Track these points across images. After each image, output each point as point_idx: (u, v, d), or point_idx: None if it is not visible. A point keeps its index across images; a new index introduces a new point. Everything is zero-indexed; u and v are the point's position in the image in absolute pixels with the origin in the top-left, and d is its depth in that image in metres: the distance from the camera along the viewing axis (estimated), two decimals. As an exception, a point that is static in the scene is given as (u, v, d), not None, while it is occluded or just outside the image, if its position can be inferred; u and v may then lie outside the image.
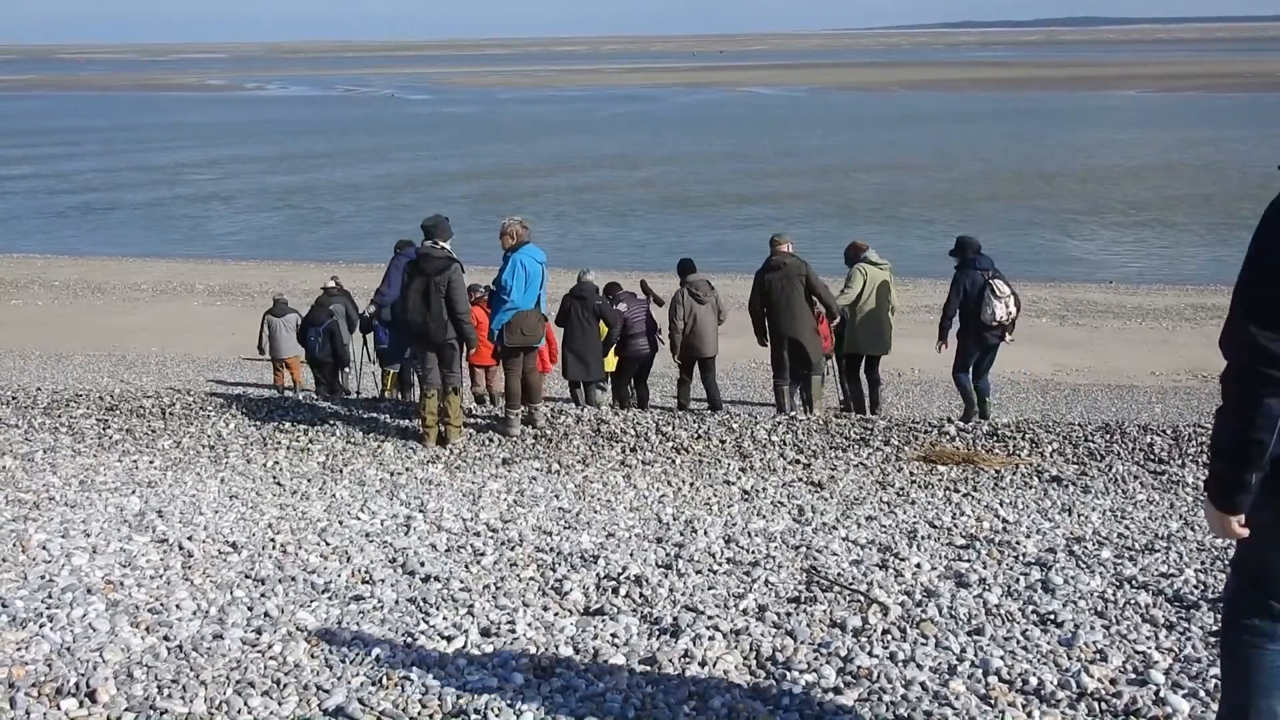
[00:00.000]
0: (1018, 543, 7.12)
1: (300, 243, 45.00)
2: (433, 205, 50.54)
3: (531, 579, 6.40)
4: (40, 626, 5.33)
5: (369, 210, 52.27)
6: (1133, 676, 4.86)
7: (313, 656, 5.13)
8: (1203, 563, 6.63)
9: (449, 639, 5.37)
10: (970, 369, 12.70)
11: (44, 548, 6.66)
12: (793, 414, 11.66)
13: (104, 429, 10.64)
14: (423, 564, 6.63)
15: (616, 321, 13.11)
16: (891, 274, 13.24)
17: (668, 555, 6.89)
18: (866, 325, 12.86)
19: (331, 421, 10.88)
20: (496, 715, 4.52)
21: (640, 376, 13.92)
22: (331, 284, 17.57)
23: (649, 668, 5.01)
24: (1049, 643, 5.29)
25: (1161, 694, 4.64)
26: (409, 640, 5.34)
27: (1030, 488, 8.86)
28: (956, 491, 8.75)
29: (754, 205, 50.81)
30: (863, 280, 12.79)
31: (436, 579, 6.35)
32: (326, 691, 4.73)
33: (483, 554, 6.90)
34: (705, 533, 7.49)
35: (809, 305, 12.33)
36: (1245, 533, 3.10)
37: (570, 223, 45.57)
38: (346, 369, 17.06)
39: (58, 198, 58.19)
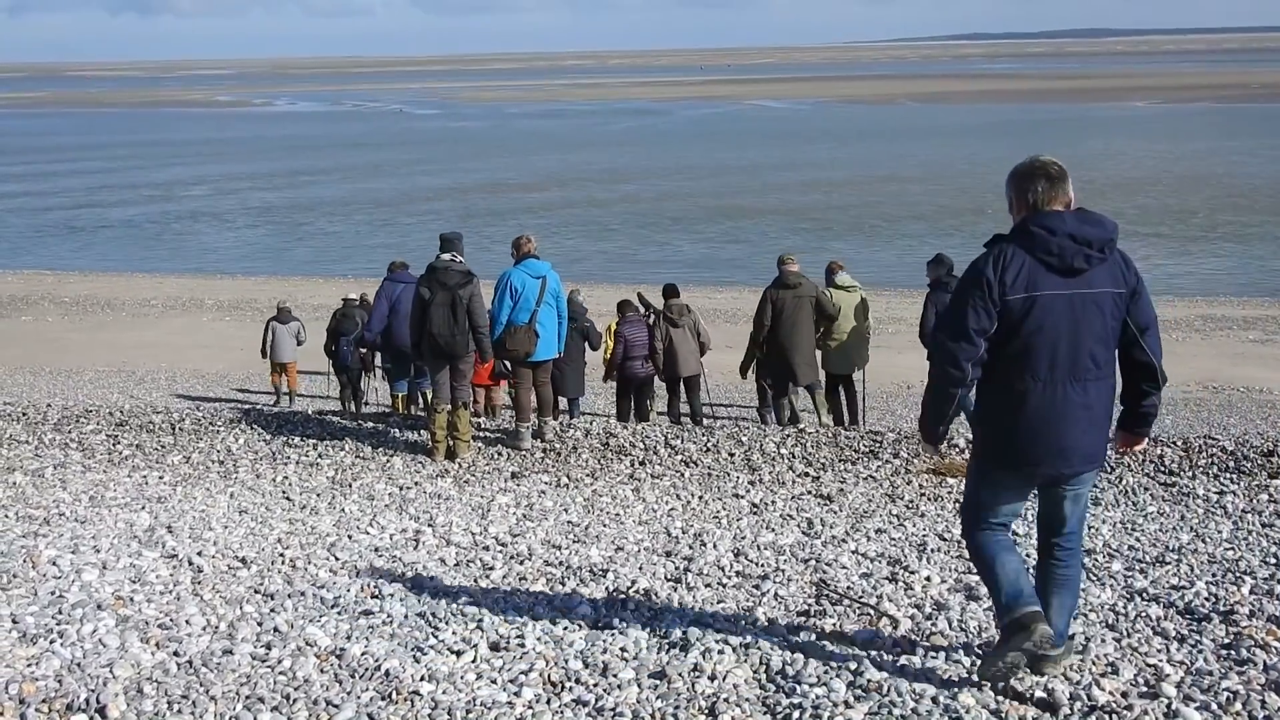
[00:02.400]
0: (1028, 555, 7.10)
1: (308, 258, 45.19)
2: (423, 219, 50.95)
3: (541, 593, 6.40)
4: (50, 642, 5.34)
5: (375, 225, 52.47)
6: (1144, 689, 4.85)
7: (322, 671, 5.13)
8: (1214, 575, 6.60)
9: (458, 653, 5.36)
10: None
11: (54, 563, 6.67)
12: (786, 426, 11.82)
13: (114, 445, 10.66)
14: (432, 578, 6.63)
15: (599, 343, 13.63)
16: (864, 296, 13.70)
17: (677, 569, 6.89)
18: (835, 346, 13.42)
19: (340, 436, 10.89)
20: (506, 730, 4.52)
21: (640, 395, 14.34)
22: (354, 297, 18.41)
23: (658, 682, 5.00)
24: (1060, 656, 5.27)
25: (1173, 707, 4.62)
26: (418, 654, 5.33)
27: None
28: (966, 504, 8.73)
29: (747, 219, 51.07)
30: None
31: (445, 593, 6.35)
32: (336, 706, 4.73)
33: (492, 568, 6.90)
34: (714, 546, 7.48)
35: (815, 328, 12.94)
36: (946, 457, 5.24)
37: (562, 236, 45.74)
38: (370, 374, 18.01)
39: (64, 214, 58.46)
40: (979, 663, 4.99)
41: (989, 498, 4.81)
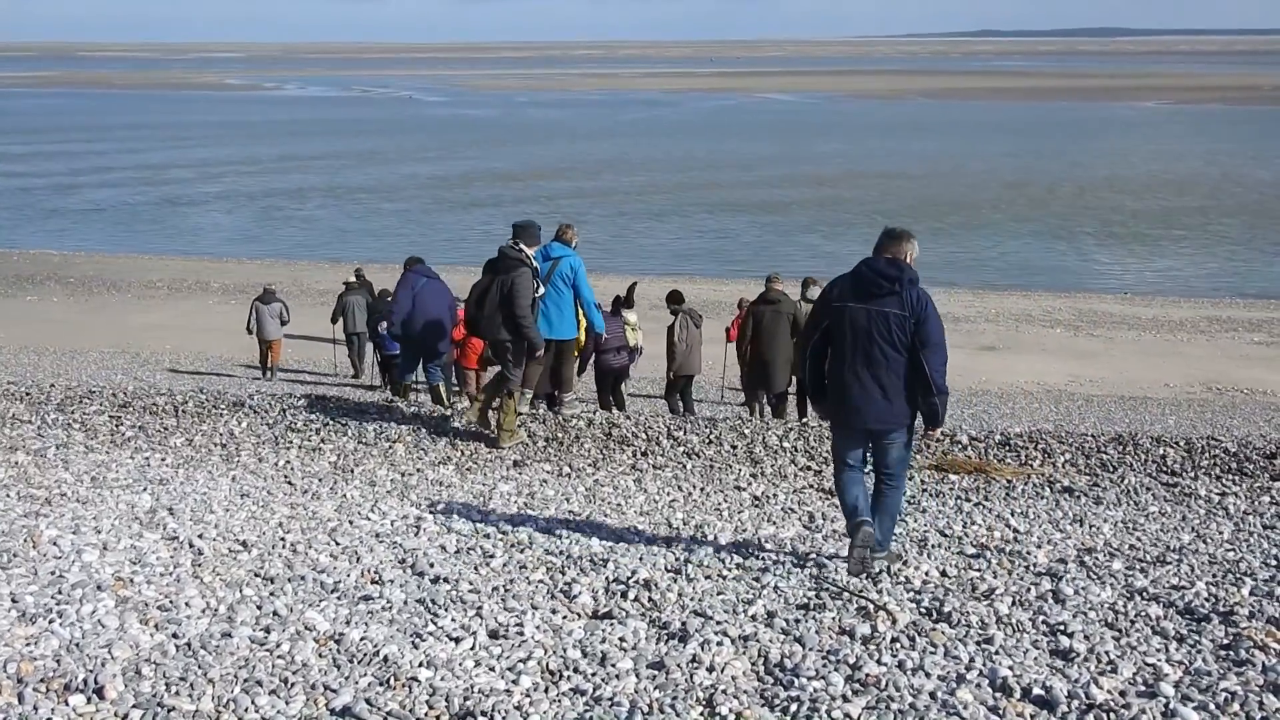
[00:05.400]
0: (1028, 553, 7.10)
1: (315, 242, 45.36)
2: (417, 207, 51.11)
3: (540, 581, 6.39)
4: (50, 622, 5.34)
5: (379, 211, 52.63)
6: (1142, 689, 4.84)
7: (321, 656, 5.13)
8: (1214, 576, 6.59)
9: (457, 640, 5.36)
10: None
11: (55, 544, 6.67)
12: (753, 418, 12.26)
13: (117, 426, 10.67)
14: (432, 565, 6.63)
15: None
16: None
17: (677, 560, 6.88)
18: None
19: (343, 421, 10.89)
20: (503, 717, 4.52)
21: (615, 386, 15.07)
22: (352, 280, 20.92)
23: (657, 672, 5.00)
24: (1058, 653, 5.27)
25: (1171, 706, 4.61)
26: (417, 641, 5.34)
27: (1042, 498, 8.83)
28: (968, 501, 8.73)
29: (744, 212, 51.24)
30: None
31: (445, 580, 6.35)
32: (334, 691, 4.73)
33: (492, 556, 6.90)
34: (715, 538, 7.48)
35: (791, 338, 14.00)
36: (827, 417, 6.97)
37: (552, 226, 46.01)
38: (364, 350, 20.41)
39: (67, 194, 58.57)
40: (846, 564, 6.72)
41: (836, 443, 6.91)
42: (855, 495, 6.78)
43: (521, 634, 5.46)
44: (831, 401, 6.71)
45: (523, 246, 10.38)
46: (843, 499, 6.85)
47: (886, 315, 6.44)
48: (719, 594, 6.18)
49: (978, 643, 5.41)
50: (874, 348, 6.47)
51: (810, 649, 5.28)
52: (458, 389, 16.03)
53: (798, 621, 5.70)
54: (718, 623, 5.63)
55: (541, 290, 10.58)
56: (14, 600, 5.62)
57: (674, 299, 15.32)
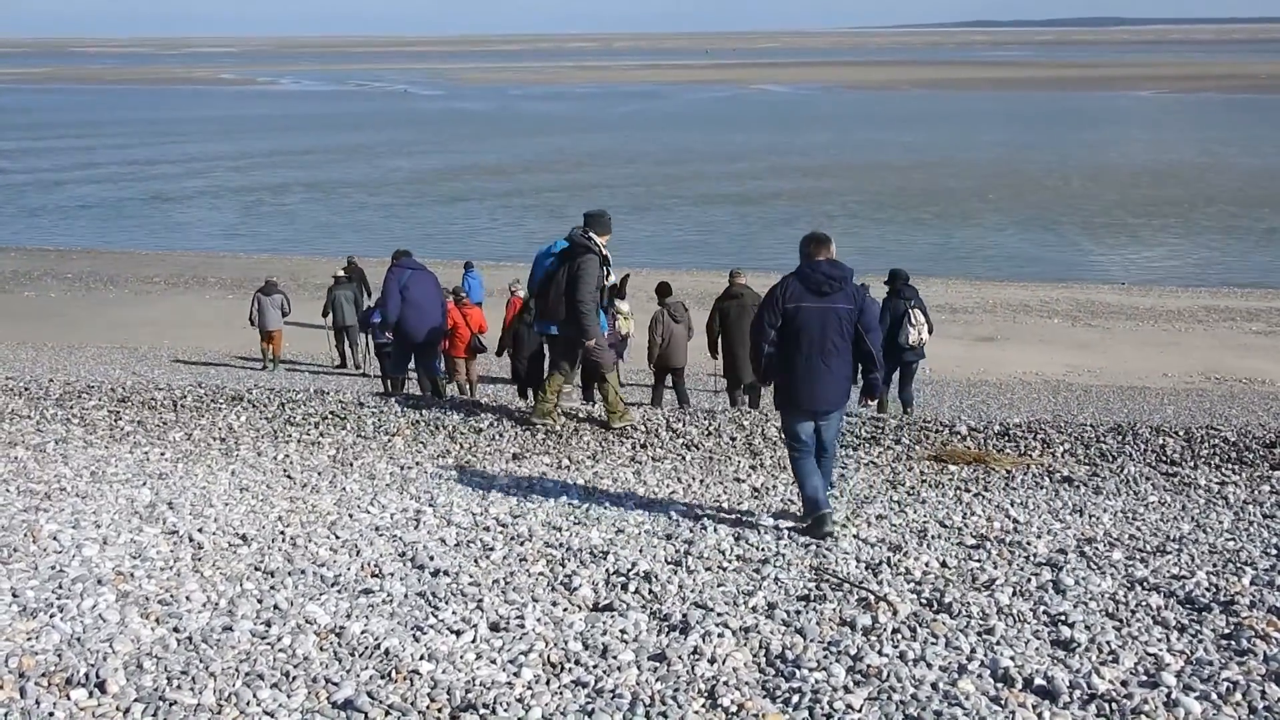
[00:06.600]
0: (1028, 543, 7.10)
1: (313, 236, 45.32)
2: (405, 201, 51.15)
3: (541, 574, 6.39)
4: (50, 617, 5.34)
5: (371, 207, 52.57)
6: (1144, 678, 4.85)
7: (322, 649, 5.13)
8: (1214, 565, 6.60)
9: (458, 633, 5.36)
10: (889, 381, 14.68)
11: (55, 538, 6.67)
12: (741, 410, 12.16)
13: (115, 420, 10.65)
14: (432, 558, 6.63)
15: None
16: None
17: (677, 552, 6.88)
18: None
19: (342, 415, 10.88)
20: (505, 710, 4.52)
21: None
22: (341, 274, 21.80)
23: (658, 664, 5.00)
24: (1060, 643, 5.27)
25: (1173, 696, 4.62)
26: (418, 634, 5.33)
27: (1041, 488, 8.83)
28: (967, 491, 8.72)
29: (730, 206, 51.25)
30: None
31: (446, 573, 6.35)
32: (335, 684, 4.73)
33: (492, 549, 6.90)
34: (715, 529, 7.48)
35: None
36: (768, 385, 7.96)
37: (536, 220, 45.88)
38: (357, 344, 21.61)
39: (62, 190, 58.48)
40: (804, 526, 7.53)
41: (790, 426, 7.67)
42: (815, 486, 7.58)
43: (522, 626, 5.46)
44: (789, 388, 7.53)
45: (592, 235, 10.34)
46: (803, 487, 7.65)
47: (838, 311, 7.41)
48: (719, 586, 6.19)
49: (979, 633, 5.41)
50: (828, 341, 7.40)
51: (811, 640, 5.29)
52: (446, 377, 16.12)
53: (798, 613, 5.70)
54: (718, 614, 5.63)
55: (612, 279, 10.55)
56: (15, 595, 5.62)
57: (660, 292, 15.49)
